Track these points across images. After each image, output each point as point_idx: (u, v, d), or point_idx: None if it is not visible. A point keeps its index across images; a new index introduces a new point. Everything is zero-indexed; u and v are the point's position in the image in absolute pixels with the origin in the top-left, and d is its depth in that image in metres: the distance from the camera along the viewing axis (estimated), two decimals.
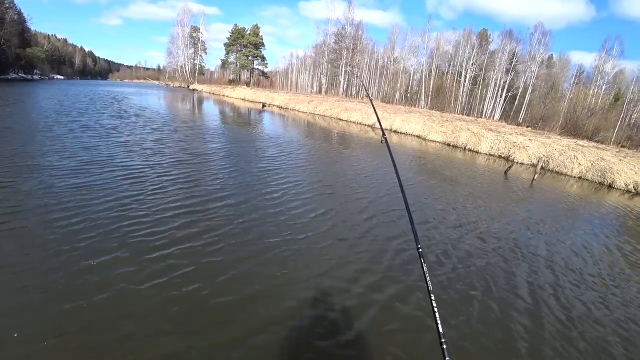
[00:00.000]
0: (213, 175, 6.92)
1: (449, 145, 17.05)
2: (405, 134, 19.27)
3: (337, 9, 48.48)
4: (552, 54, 37.31)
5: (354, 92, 41.00)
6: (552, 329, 3.36)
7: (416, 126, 19.38)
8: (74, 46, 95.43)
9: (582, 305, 3.86)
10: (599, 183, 12.25)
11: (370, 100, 3.98)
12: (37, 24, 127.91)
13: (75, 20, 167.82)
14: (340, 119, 23.68)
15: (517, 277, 4.28)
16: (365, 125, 21.53)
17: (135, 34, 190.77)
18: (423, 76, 37.64)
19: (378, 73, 41.38)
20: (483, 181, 10.15)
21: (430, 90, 36.29)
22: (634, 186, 11.61)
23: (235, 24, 56.96)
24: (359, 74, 41.30)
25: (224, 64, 61.08)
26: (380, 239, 4.87)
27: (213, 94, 43.84)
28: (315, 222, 5.14)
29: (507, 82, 33.62)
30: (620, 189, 11.72)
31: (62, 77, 72.58)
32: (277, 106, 30.88)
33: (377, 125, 20.74)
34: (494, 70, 33.69)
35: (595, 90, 32.53)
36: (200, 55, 59.36)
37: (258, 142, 11.56)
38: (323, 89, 42.99)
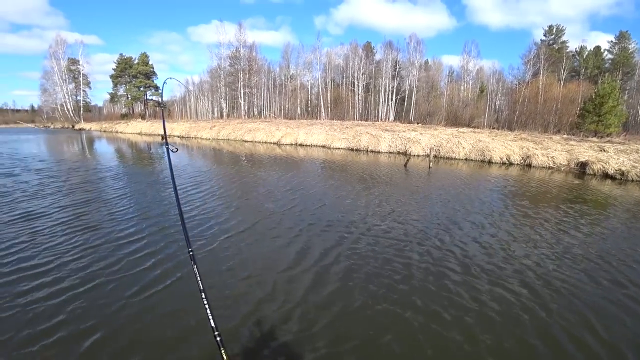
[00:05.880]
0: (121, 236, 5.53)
1: (352, 150, 17.65)
2: (311, 145, 19.43)
3: (228, 31, 47.48)
4: (427, 59, 42.43)
5: (255, 113, 40.68)
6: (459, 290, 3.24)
7: (319, 137, 19.71)
8: None
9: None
10: (481, 161, 13.81)
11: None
12: None
13: None
14: (245, 141, 22.96)
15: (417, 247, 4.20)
16: (271, 143, 21.19)
17: None
18: (320, 89, 39.23)
19: (277, 91, 41.82)
20: (386, 175, 10.49)
21: (329, 101, 37.93)
22: (506, 159, 13.38)
23: (121, 54, 51.79)
24: (257, 95, 41.19)
25: (113, 98, 55.01)
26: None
27: (104, 131, 38.91)
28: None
29: (395, 86, 37.09)
30: (497, 163, 13.37)
31: None
32: (178, 136, 28.77)
33: (283, 141, 20.61)
34: (382, 77, 36.81)
35: (465, 86, 37.94)
36: (83, 91, 51.56)
37: (164, 180, 9.95)
38: (224, 113, 41.63)
